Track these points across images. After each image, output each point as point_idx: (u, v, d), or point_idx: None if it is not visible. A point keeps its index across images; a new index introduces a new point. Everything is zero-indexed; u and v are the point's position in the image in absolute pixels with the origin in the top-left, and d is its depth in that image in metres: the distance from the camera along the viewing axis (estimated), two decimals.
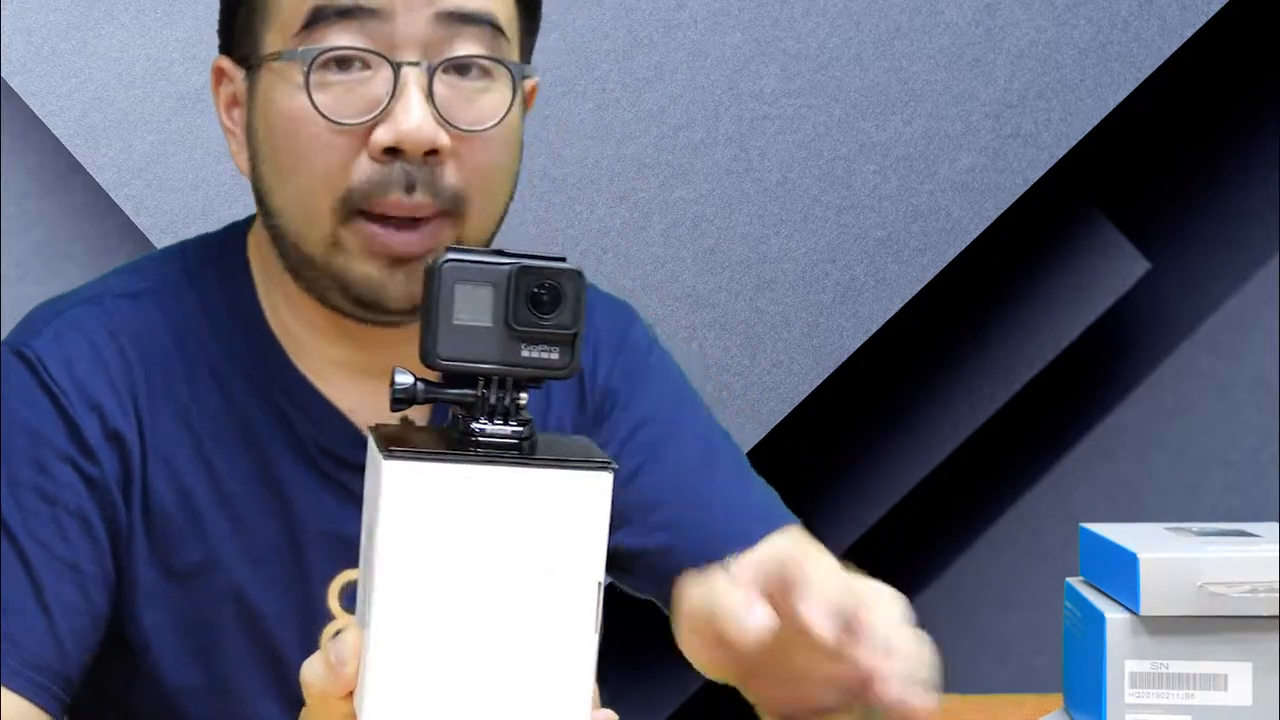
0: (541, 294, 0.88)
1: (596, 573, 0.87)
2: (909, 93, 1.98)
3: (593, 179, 1.96)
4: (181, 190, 1.89)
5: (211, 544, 1.24)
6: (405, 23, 1.17)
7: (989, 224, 2.01)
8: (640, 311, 1.48)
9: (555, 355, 0.89)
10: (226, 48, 1.27)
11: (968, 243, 2.01)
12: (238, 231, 1.32)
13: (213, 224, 1.91)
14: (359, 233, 1.18)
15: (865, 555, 2.31)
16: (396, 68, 1.17)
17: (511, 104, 1.19)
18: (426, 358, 0.89)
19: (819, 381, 1.99)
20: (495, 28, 1.19)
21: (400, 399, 0.91)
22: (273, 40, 1.20)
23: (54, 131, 1.88)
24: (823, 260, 1.99)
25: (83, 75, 1.87)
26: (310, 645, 1.26)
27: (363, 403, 1.28)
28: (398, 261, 1.19)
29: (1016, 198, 2.01)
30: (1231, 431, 2.28)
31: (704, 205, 1.97)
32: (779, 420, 2.00)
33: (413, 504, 0.85)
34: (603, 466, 0.87)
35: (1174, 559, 1.16)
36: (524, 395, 0.89)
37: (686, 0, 1.94)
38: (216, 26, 1.28)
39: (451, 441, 0.88)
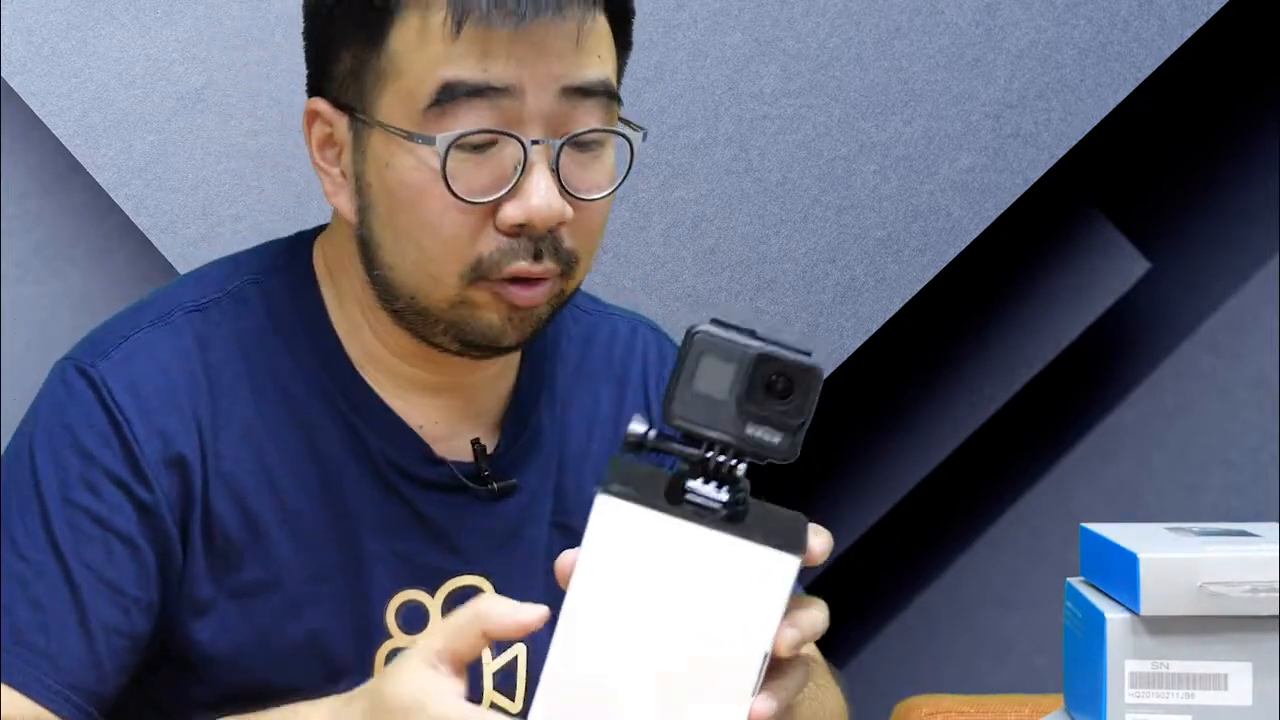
0: (777, 382, 0.93)
1: (764, 645, 0.92)
2: (909, 93, 1.98)
3: None
4: (181, 190, 1.89)
5: (272, 562, 1.24)
6: (534, 100, 1.18)
7: (989, 224, 2.01)
8: (640, 312, 1.48)
9: (778, 439, 0.94)
10: (319, 88, 1.25)
11: (968, 243, 2.01)
12: (304, 242, 1.31)
13: (213, 224, 1.92)
14: (486, 291, 1.20)
15: (865, 555, 2.32)
16: (525, 145, 1.18)
17: (627, 171, 1.23)
18: (663, 414, 0.94)
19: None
20: (610, 95, 1.21)
21: (631, 443, 0.95)
22: (392, 104, 1.19)
23: (54, 131, 1.87)
24: (823, 260, 1.99)
25: (83, 75, 1.87)
26: (367, 662, 1.27)
27: (432, 418, 1.29)
28: (516, 309, 1.21)
29: (1016, 198, 2.01)
30: (1231, 431, 2.27)
31: (704, 205, 1.96)
32: None
33: (614, 540, 0.92)
34: (794, 550, 0.92)
35: (1174, 559, 1.16)
36: (742, 466, 0.93)
37: (686, 0, 1.94)
38: (307, 68, 1.26)
39: (669, 490, 0.93)
